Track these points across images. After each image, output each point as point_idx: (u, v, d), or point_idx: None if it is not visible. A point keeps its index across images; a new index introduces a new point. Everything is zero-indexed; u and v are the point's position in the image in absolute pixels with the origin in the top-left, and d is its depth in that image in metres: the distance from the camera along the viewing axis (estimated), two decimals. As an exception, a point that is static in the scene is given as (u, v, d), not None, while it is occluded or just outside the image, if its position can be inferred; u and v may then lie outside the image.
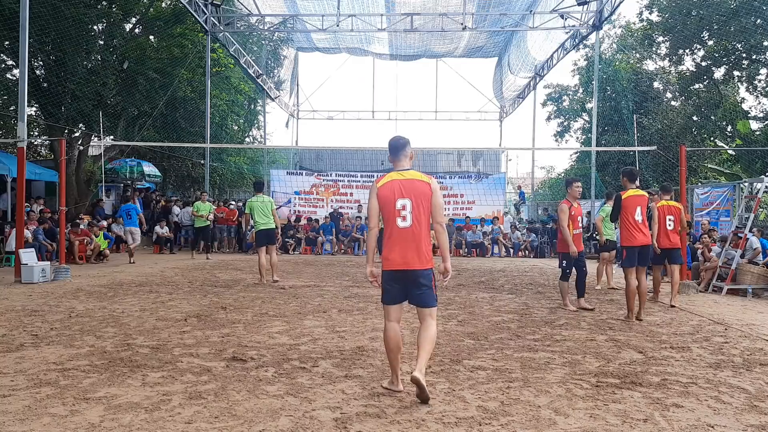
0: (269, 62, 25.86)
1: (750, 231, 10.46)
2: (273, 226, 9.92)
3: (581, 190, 8.06)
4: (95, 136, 18.07)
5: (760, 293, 9.59)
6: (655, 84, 25.64)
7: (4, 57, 16.96)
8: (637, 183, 7.30)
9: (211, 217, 15.05)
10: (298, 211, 19.96)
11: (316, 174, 21.47)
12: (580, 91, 29.45)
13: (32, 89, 14.93)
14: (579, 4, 18.34)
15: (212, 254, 15.54)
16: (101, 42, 17.93)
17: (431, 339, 3.87)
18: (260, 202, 9.86)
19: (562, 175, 31.49)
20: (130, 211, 13.66)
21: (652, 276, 8.89)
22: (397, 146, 4.06)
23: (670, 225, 8.36)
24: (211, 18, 19.32)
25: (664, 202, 8.50)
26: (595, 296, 8.98)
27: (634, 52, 26.00)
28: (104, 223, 15.44)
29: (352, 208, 19.82)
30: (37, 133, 20.81)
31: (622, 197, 6.95)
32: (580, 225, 7.98)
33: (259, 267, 9.90)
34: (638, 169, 7.51)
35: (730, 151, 21.84)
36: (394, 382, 3.98)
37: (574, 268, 7.91)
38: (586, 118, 28.63)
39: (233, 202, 19.56)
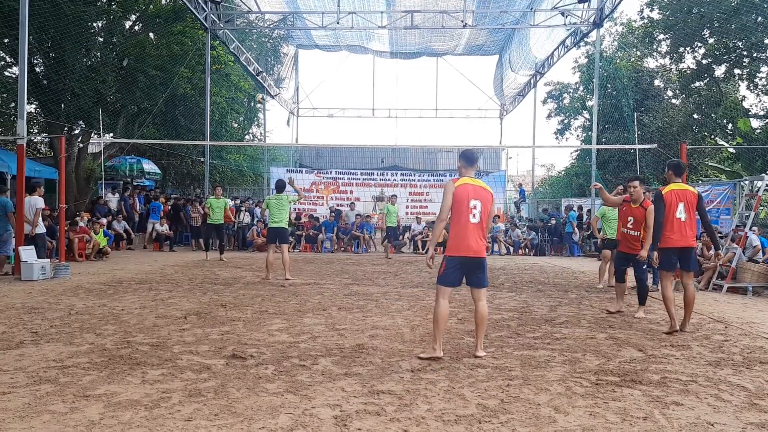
0: (269, 60, 25.84)
1: (750, 229, 10.46)
2: (285, 225, 10.15)
3: (634, 190, 7.21)
4: (95, 134, 18.07)
5: (761, 291, 9.59)
6: (656, 82, 25.62)
7: (4, 54, 16.94)
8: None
9: (228, 214, 14.00)
10: (298, 209, 19.95)
11: (316, 172, 21.48)
12: (581, 88, 29.40)
13: (32, 87, 14.91)
14: (580, 2, 18.32)
15: (212, 252, 14.36)
16: (101, 39, 17.91)
17: (485, 317, 4.94)
18: (277, 200, 10.09)
19: (563, 173, 31.48)
20: (156, 208, 17.26)
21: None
22: (473, 159, 5.06)
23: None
24: (211, 15, 19.30)
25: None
26: (596, 294, 8.98)
27: (634, 49, 25.97)
28: (104, 220, 15.42)
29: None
30: (36, 131, 20.79)
31: (663, 193, 6.19)
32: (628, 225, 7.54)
33: (266, 263, 10.07)
34: (685, 163, 6.66)
35: (730, 149, 21.84)
36: (436, 349, 4.76)
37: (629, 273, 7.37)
38: (587, 115, 28.60)
39: (230, 200, 19.56)
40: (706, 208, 6.82)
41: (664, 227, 6.15)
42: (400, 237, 18.46)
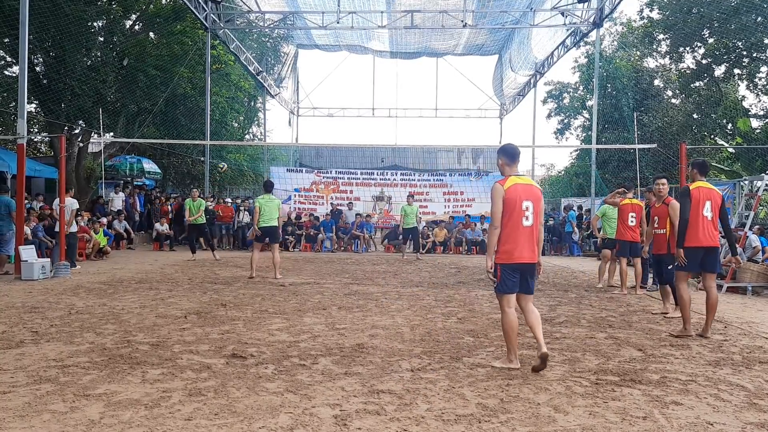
0: (269, 59, 25.84)
1: (749, 229, 10.47)
2: (275, 224, 10.28)
3: (663, 187, 7.18)
4: (95, 133, 18.06)
5: (760, 291, 9.59)
6: (656, 82, 25.61)
7: (4, 54, 16.94)
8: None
9: (201, 214, 13.63)
10: (298, 209, 19.95)
11: (316, 171, 21.45)
12: (581, 88, 29.40)
13: (32, 86, 14.91)
14: (580, 2, 18.32)
15: (200, 252, 14.46)
16: (101, 39, 17.90)
17: (539, 318, 4.61)
18: (268, 201, 10.22)
19: (562, 172, 31.48)
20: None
21: (619, 268, 9.21)
22: (516, 153, 4.64)
23: (632, 221, 8.87)
24: (211, 15, 19.29)
25: (627, 201, 9.02)
26: (596, 294, 8.98)
27: (634, 49, 25.97)
28: (104, 219, 15.42)
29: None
30: (36, 130, 20.79)
31: (690, 189, 5.90)
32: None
33: (251, 261, 10.32)
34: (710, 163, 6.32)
35: (730, 149, 21.85)
36: (513, 360, 4.53)
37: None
38: (587, 115, 28.60)
39: (229, 200, 19.55)
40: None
41: (689, 225, 5.85)
42: (399, 237, 18.45)
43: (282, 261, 10.72)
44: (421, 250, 16.07)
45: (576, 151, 29.17)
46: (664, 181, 7.22)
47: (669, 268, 6.88)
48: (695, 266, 5.92)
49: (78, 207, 11.97)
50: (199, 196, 14.04)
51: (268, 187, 10.52)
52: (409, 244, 16.25)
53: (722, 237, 6.48)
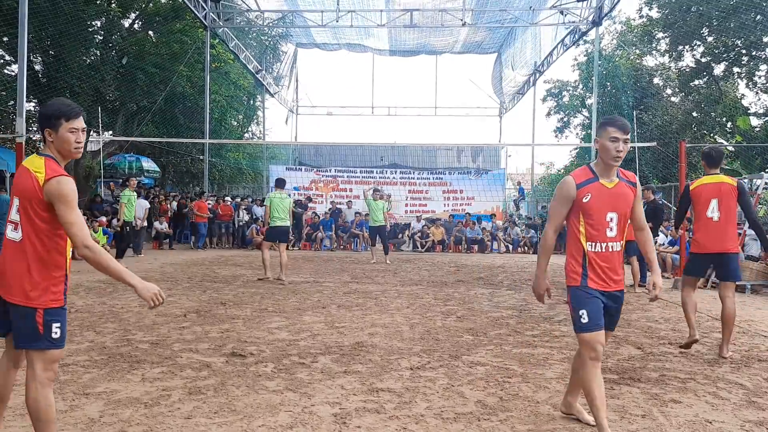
0: (268, 58, 25.85)
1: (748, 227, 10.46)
2: (287, 224, 10.06)
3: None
4: (94, 132, 18.05)
5: (759, 289, 9.60)
6: (655, 80, 25.62)
7: (3, 53, 16.94)
8: None
9: (140, 212, 12.09)
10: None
11: (315, 170, 21.46)
12: (580, 86, 29.42)
13: (31, 85, 14.91)
14: (578, 0, 18.32)
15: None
16: (100, 38, 17.90)
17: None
18: (280, 198, 9.96)
19: (562, 171, 31.48)
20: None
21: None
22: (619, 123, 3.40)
23: None
24: (210, 13, 19.28)
25: None
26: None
27: (634, 48, 25.98)
28: (103, 219, 15.40)
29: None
30: (35, 129, 20.78)
31: None
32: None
33: (263, 261, 9.91)
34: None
35: (729, 148, 21.86)
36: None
37: None
38: (586, 113, 28.62)
39: (229, 199, 19.55)
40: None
41: None
42: (399, 235, 18.45)
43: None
44: (389, 252, 14.06)
45: (575, 149, 29.18)
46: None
47: None
48: None
49: (149, 206, 13.32)
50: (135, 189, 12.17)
51: (280, 184, 10.22)
52: (408, 245, 16.16)
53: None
